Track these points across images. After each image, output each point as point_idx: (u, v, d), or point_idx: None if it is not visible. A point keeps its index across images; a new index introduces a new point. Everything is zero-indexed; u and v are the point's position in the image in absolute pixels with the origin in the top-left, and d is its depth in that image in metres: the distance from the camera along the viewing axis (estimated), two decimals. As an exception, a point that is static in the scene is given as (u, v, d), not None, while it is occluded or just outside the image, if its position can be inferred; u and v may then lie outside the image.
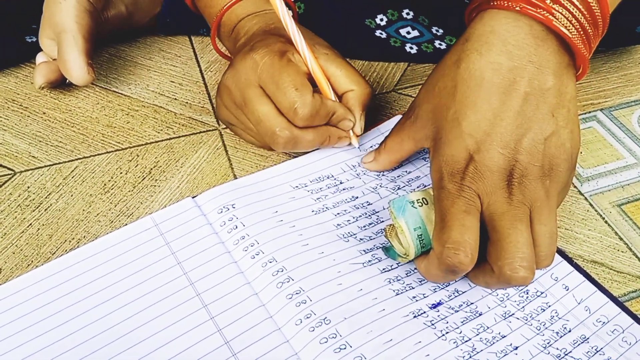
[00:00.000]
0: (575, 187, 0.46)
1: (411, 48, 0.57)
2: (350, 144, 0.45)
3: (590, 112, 0.53)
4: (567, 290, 0.38)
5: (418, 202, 0.36)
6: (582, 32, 0.36)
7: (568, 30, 0.35)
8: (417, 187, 0.44)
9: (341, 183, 0.44)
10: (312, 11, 0.56)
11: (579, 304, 0.38)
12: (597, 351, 0.35)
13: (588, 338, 0.36)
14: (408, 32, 0.56)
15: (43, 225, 0.42)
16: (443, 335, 0.35)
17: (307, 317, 0.35)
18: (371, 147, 0.47)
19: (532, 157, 0.35)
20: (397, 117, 0.49)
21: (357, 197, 0.43)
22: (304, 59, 0.42)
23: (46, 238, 0.42)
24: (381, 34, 0.56)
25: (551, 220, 0.35)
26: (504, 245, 0.33)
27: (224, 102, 0.44)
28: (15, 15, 0.55)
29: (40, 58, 0.53)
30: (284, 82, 0.40)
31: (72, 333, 0.35)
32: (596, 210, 0.44)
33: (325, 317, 0.35)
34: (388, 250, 0.39)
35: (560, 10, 0.35)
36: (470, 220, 0.33)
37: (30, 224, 0.42)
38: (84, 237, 0.42)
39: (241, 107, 0.42)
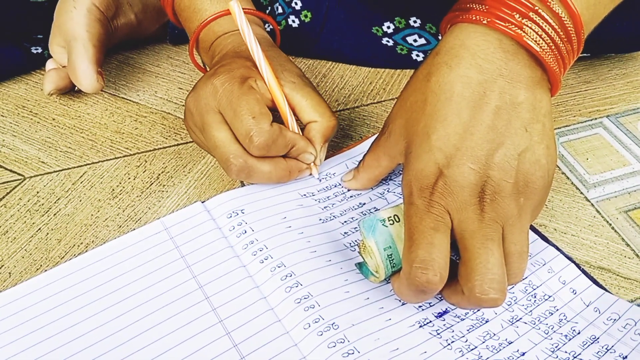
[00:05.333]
0: (581, 193, 0.46)
1: (417, 56, 0.57)
2: (311, 174, 0.45)
3: (596, 118, 0.53)
4: (575, 294, 0.38)
5: (389, 220, 0.35)
6: (554, 48, 0.35)
7: (539, 45, 0.34)
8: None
9: (348, 190, 0.44)
10: (319, 19, 0.57)
11: (587, 306, 0.38)
12: (608, 350, 0.35)
13: (598, 338, 0.36)
14: (415, 40, 0.56)
15: (52, 229, 0.43)
16: (449, 344, 0.35)
17: (316, 322, 0.35)
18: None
19: (504, 173, 0.34)
20: (373, 138, 0.49)
21: (364, 204, 0.43)
22: (268, 87, 0.41)
23: (55, 242, 0.42)
24: (388, 41, 0.57)
25: (522, 239, 0.34)
26: (473, 266, 0.32)
27: (188, 124, 0.43)
28: (16, 25, 0.55)
29: (50, 65, 0.53)
30: (242, 109, 0.39)
31: (80, 336, 0.35)
32: (603, 217, 0.44)
33: (334, 323, 0.35)
34: (361, 266, 0.38)
35: (531, 25, 0.34)
36: (439, 237, 0.32)
37: (40, 229, 0.43)
38: (92, 241, 0.42)
39: (201, 131, 0.42)
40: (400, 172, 0.45)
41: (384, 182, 0.45)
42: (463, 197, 0.33)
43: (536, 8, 0.34)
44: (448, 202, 0.33)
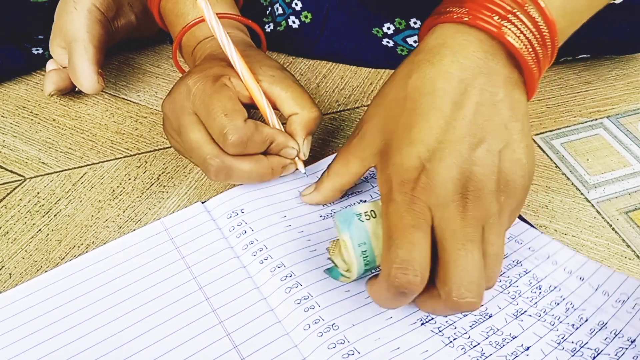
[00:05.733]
0: (582, 194, 0.46)
1: (414, 48, 0.57)
2: (297, 169, 0.43)
3: (596, 119, 0.53)
4: (582, 280, 0.38)
5: (366, 215, 0.34)
6: (530, 50, 0.35)
7: (517, 43, 0.35)
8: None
9: None
10: (319, 20, 0.57)
11: (595, 290, 0.37)
12: (616, 335, 0.35)
13: (606, 323, 0.36)
14: (415, 41, 0.56)
15: (52, 230, 0.43)
16: (450, 342, 0.35)
17: (316, 323, 0.35)
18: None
19: (486, 169, 0.33)
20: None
21: (365, 201, 0.43)
22: (243, 81, 0.41)
23: (55, 243, 0.42)
24: (388, 42, 0.57)
25: (500, 241, 0.33)
26: (452, 269, 0.31)
27: (166, 129, 0.42)
28: (17, 25, 0.55)
29: (50, 65, 0.54)
30: (214, 107, 0.38)
31: (81, 336, 0.35)
32: (603, 218, 0.44)
33: (334, 323, 0.35)
34: (330, 271, 0.37)
35: (510, 27, 0.35)
36: (420, 236, 0.31)
37: (40, 230, 0.43)
38: (93, 242, 0.42)
39: (178, 134, 0.41)
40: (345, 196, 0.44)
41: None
42: (445, 192, 0.32)
43: (514, 11, 0.35)
44: (430, 198, 0.32)
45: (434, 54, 0.36)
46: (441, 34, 0.36)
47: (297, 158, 0.42)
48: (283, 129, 0.42)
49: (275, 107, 0.42)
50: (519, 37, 0.35)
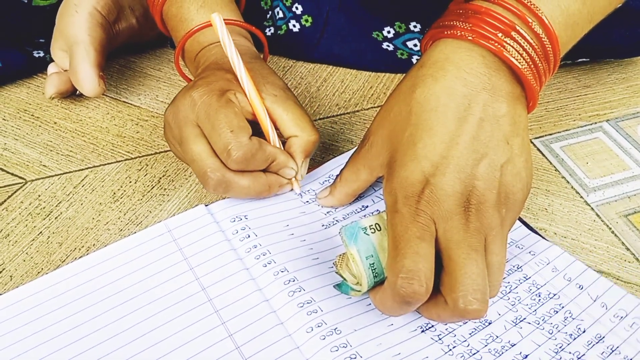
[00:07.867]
0: (581, 197, 0.46)
1: (418, 60, 0.57)
2: (292, 189, 0.44)
3: (596, 123, 0.53)
4: (582, 289, 0.38)
5: (371, 229, 0.35)
6: (532, 66, 0.36)
7: (518, 62, 0.35)
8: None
9: None
10: (320, 24, 0.57)
11: (594, 301, 0.38)
12: (613, 350, 0.35)
13: (604, 337, 0.36)
14: (415, 45, 0.56)
15: (53, 233, 0.43)
16: (450, 350, 0.35)
17: (318, 326, 0.35)
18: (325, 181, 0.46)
19: (488, 183, 0.34)
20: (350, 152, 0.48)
21: (367, 207, 0.43)
22: (249, 100, 0.41)
23: (56, 246, 0.42)
24: (388, 46, 0.57)
25: (503, 250, 0.34)
26: (458, 277, 0.32)
27: (167, 137, 0.43)
28: (19, 28, 0.55)
29: (51, 69, 0.54)
30: (220, 122, 0.38)
31: (83, 337, 0.35)
32: (603, 221, 0.44)
33: (336, 328, 0.35)
34: (340, 286, 0.37)
35: (512, 44, 0.35)
36: (425, 247, 0.32)
37: (41, 232, 0.43)
38: (94, 245, 0.42)
39: (180, 144, 0.41)
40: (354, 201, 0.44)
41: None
42: (449, 206, 0.33)
43: (517, 28, 0.35)
44: (434, 211, 0.33)
45: (437, 69, 0.36)
46: (444, 48, 0.37)
47: (293, 179, 0.43)
48: (283, 148, 0.42)
49: (275, 126, 0.42)
50: (521, 54, 0.35)
